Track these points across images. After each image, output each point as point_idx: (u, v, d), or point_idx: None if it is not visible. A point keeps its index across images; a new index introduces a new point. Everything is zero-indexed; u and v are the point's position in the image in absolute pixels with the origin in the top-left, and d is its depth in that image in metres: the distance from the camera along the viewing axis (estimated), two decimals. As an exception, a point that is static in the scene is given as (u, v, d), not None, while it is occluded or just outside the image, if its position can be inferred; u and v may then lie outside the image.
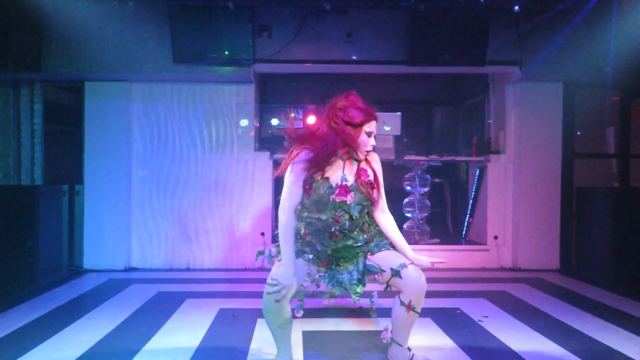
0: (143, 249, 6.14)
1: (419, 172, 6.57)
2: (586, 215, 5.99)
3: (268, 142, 7.07)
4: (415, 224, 6.52)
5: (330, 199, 2.82)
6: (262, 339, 3.52)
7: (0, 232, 4.64)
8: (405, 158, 6.52)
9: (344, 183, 2.86)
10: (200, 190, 6.18)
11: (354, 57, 6.00)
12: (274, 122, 8.53)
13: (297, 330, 3.68)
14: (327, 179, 2.85)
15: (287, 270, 2.77)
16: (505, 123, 6.41)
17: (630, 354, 3.27)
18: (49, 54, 5.75)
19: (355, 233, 2.90)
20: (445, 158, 6.74)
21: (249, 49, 5.72)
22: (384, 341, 2.96)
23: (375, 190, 2.93)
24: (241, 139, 6.21)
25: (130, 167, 6.09)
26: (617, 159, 6.62)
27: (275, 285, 2.74)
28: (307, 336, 3.57)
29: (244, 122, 6.22)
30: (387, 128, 6.37)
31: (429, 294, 4.87)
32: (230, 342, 3.49)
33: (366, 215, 2.96)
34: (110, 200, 6.00)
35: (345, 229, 2.84)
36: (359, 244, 2.89)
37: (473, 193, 6.82)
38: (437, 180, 7.44)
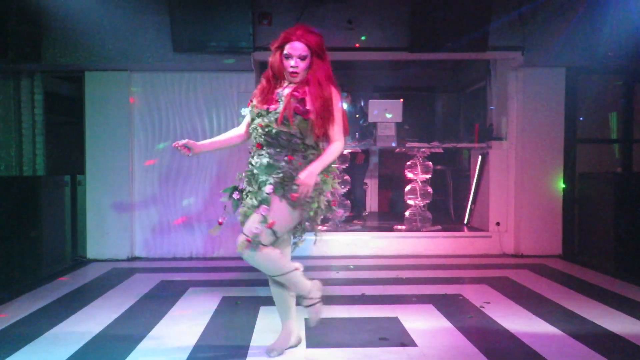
0: (146, 239, 6.16)
1: (421, 159, 6.55)
2: (589, 201, 5.98)
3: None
4: (417, 211, 6.51)
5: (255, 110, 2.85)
6: (264, 326, 3.54)
7: (4, 223, 4.65)
8: (407, 145, 6.51)
9: (276, 98, 2.84)
10: (202, 179, 6.18)
11: (354, 44, 5.96)
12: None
13: (299, 318, 3.69)
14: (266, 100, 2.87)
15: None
16: (507, 109, 6.36)
17: (632, 340, 3.28)
18: (49, 43, 5.73)
19: (278, 150, 2.80)
20: (447, 145, 6.71)
21: (249, 37, 5.68)
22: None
23: (310, 114, 2.73)
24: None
25: (132, 157, 6.09)
26: (620, 145, 6.59)
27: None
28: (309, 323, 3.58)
29: (245, 111, 6.17)
30: (388, 115, 6.35)
31: (431, 281, 4.93)
32: (233, 329, 3.51)
33: (301, 146, 2.79)
34: (112, 190, 6.00)
35: (267, 133, 2.78)
36: (278, 165, 2.77)
37: (475, 180, 6.81)
38: (439, 167, 7.43)
